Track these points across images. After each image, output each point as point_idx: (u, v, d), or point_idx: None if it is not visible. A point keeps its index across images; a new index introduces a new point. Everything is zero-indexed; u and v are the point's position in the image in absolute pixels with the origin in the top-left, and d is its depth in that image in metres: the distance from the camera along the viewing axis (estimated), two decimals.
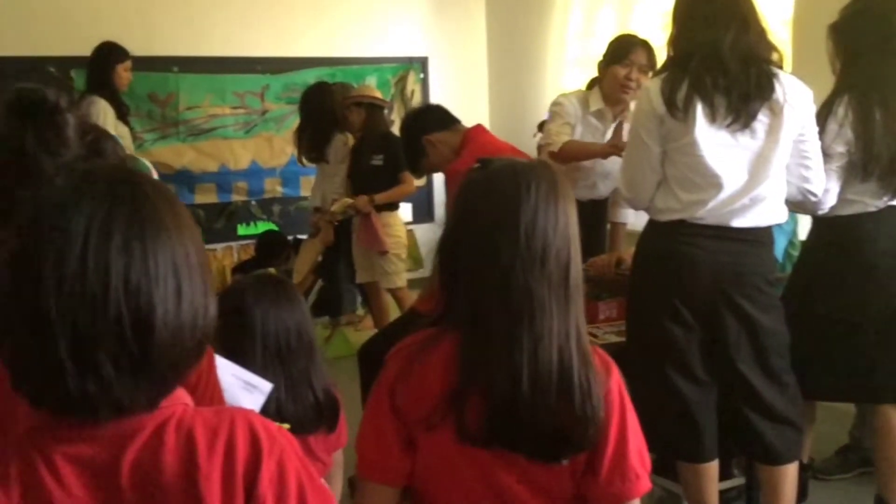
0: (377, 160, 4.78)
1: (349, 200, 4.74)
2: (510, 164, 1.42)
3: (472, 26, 6.97)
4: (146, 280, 0.85)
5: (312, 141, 5.07)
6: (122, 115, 4.96)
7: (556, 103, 3.55)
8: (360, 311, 5.76)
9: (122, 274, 0.84)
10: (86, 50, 4.90)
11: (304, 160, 5.15)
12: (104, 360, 0.84)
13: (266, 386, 1.48)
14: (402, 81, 6.75)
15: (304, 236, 5.49)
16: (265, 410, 1.53)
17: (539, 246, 1.32)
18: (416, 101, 6.73)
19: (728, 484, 2.95)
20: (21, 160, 1.12)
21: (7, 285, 0.85)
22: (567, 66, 6.18)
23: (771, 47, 2.46)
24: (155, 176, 3.37)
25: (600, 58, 3.51)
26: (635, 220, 3.59)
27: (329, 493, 1.00)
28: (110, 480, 0.88)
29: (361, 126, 4.89)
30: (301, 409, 1.89)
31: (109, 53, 4.92)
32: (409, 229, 5.23)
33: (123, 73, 4.98)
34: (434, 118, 3.27)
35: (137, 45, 5.12)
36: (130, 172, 0.91)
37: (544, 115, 5.63)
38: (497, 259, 1.32)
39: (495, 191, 1.36)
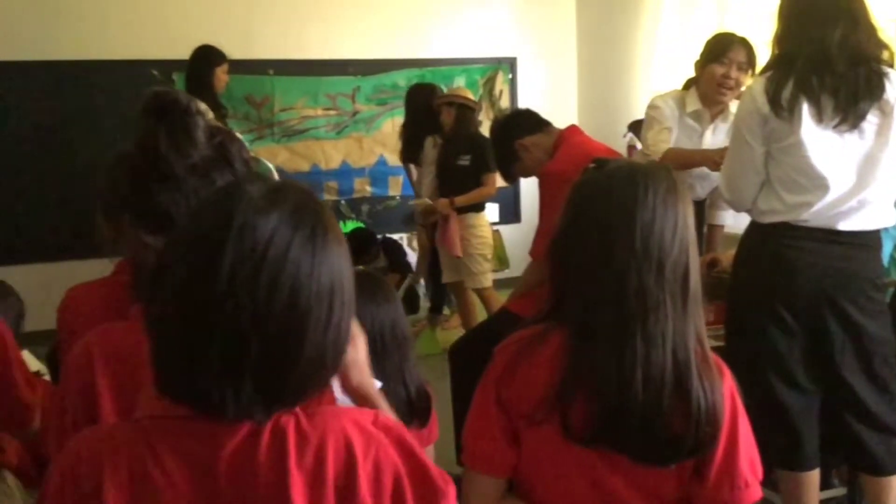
0: (464, 160, 4.83)
1: (428, 202, 4.80)
2: (627, 165, 1.42)
3: (562, 26, 6.93)
4: (308, 302, 0.89)
5: (409, 140, 5.17)
6: (221, 116, 5.11)
7: (652, 106, 3.46)
8: (447, 311, 5.80)
9: (286, 294, 0.87)
10: (188, 54, 5.06)
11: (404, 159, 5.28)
12: (248, 369, 0.87)
13: (375, 383, 1.52)
14: (490, 82, 6.76)
15: (392, 235, 5.59)
16: None
17: (655, 248, 1.32)
18: (505, 101, 6.75)
19: (828, 494, 2.87)
20: (155, 160, 1.18)
21: (176, 283, 0.88)
22: (658, 66, 6.09)
23: (881, 45, 2.38)
24: (276, 177, 3.49)
25: (696, 57, 3.44)
26: (734, 222, 3.51)
27: (437, 481, 0.99)
28: (209, 475, 0.92)
29: (451, 126, 4.95)
30: (394, 404, 1.92)
31: (208, 57, 5.06)
32: (495, 230, 5.23)
33: (221, 76, 5.13)
34: (525, 122, 3.26)
35: (236, 49, 5.27)
36: (313, 197, 0.94)
37: (635, 116, 5.59)
38: (611, 260, 1.33)
39: (612, 191, 1.37)
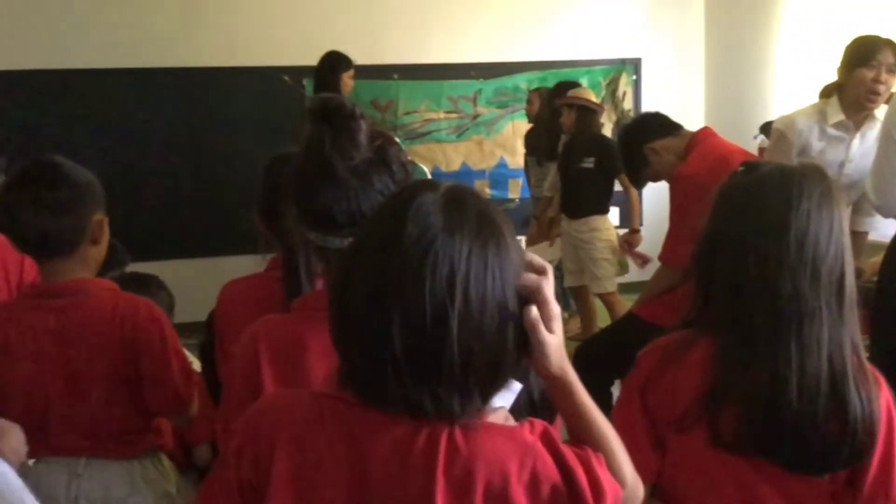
0: (588, 163, 4.82)
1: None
2: (779, 168, 1.39)
3: (690, 26, 6.78)
4: (493, 305, 0.91)
5: (544, 139, 5.25)
6: None
7: (780, 136, 3.24)
8: (565, 315, 5.78)
9: (461, 305, 0.90)
10: (317, 60, 5.24)
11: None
12: (434, 375, 0.91)
13: (516, 385, 1.54)
14: (613, 83, 6.69)
15: None
16: None
17: (810, 253, 1.30)
18: (628, 103, 6.66)
19: None
20: (320, 161, 1.25)
21: (363, 291, 0.93)
22: (790, 67, 5.87)
23: None
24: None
25: (830, 56, 3.27)
26: (886, 230, 3.34)
27: (600, 485, 1.00)
28: (365, 462, 0.96)
29: (571, 128, 4.93)
30: (516, 407, 1.94)
31: (335, 62, 5.22)
32: (619, 233, 5.18)
33: (347, 81, 5.28)
34: (655, 125, 3.20)
35: (363, 55, 5.42)
36: (487, 202, 0.98)
37: (766, 117, 5.40)
38: (764, 265, 1.31)
39: (764, 196, 1.35)
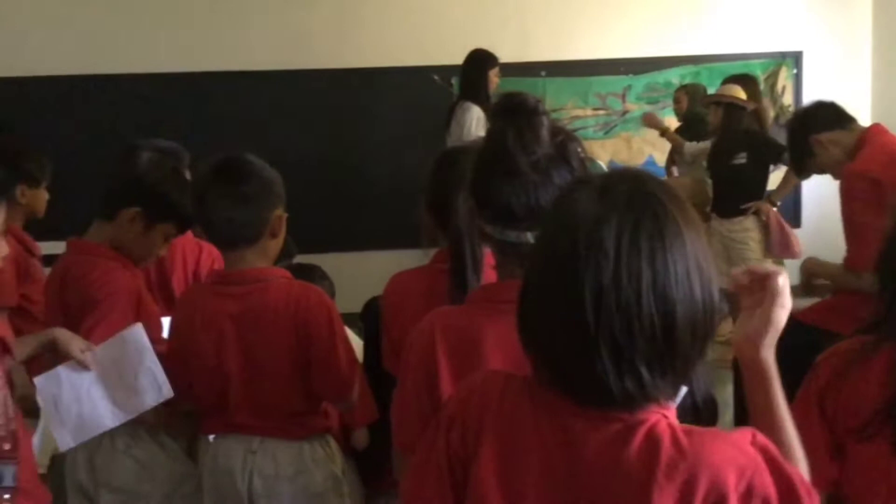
0: (740, 159, 4.69)
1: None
2: None
3: (856, 15, 6.39)
4: (669, 286, 0.93)
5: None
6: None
7: None
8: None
9: (650, 282, 0.92)
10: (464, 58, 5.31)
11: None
12: (640, 361, 0.93)
13: (682, 389, 1.53)
14: (772, 77, 6.40)
15: None
16: None
17: None
18: (788, 98, 6.37)
19: None
20: (503, 155, 1.28)
21: (543, 289, 0.98)
22: None
23: None
24: None
25: None
26: None
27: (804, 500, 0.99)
28: (578, 453, 0.98)
29: (718, 126, 4.80)
30: (680, 411, 1.90)
31: (481, 60, 5.25)
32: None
33: (493, 79, 5.31)
34: (825, 116, 3.07)
35: (511, 52, 5.45)
36: (642, 181, 0.99)
37: None
38: None
39: None
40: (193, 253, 2.47)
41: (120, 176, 2.12)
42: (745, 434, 0.98)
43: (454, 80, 5.82)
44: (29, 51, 5.64)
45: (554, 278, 0.96)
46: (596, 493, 0.96)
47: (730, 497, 0.93)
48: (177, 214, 2.08)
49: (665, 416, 0.99)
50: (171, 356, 2.03)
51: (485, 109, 5.15)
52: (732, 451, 0.95)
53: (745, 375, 1.08)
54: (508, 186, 1.27)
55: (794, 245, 4.61)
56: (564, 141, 1.31)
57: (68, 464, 2.10)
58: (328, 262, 2.99)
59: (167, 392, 1.84)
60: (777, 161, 4.63)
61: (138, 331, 1.89)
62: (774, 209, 4.75)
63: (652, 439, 0.95)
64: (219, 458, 1.98)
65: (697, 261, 0.95)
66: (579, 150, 1.31)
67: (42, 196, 3.14)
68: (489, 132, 1.35)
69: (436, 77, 6.04)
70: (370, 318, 2.55)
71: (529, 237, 1.28)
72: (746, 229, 4.74)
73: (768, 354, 1.03)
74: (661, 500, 0.93)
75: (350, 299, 2.86)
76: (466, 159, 1.69)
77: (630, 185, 0.98)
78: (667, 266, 0.93)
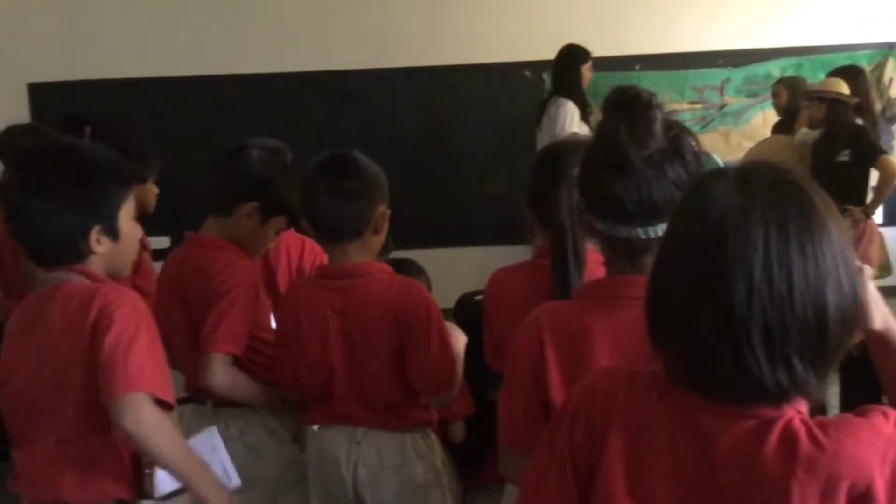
0: (844, 156, 4.54)
1: None
2: None
3: None
4: (820, 277, 0.92)
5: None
6: (585, 115, 5.24)
7: None
8: None
9: (802, 273, 0.92)
10: (556, 54, 5.28)
11: None
12: (793, 354, 0.92)
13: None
14: (878, 69, 6.12)
15: None
16: None
17: None
18: (894, 91, 6.08)
19: None
20: (615, 150, 1.27)
21: (682, 284, 0.97)
22: None
23: None
24: None
25: None
26: None
27: None
28: (709, 449, 0.97)
29: (821, 122, 4.66)
30: None
31: (573, 55, 5.21)
32: (879, 232, 4.76)
33: (586, 73, 5.27)
34: None
35: (603, 46, 5.38)
36: (783, 171, 0.98)
37: None
38: None
39: None
40: (297, 248, 2.53)
41: (232, 173, 2.20)
42: (875, 414, 0.97)
43: (545, 76, 5.80)
44: (133, 53, 5.88)
45: (695, 273, 0.95)
46: (730, 492, 0.96)
47: (876, 482, 0.92)
48: (289, 209, 2.15)
49: (799, 411, 0.97)
50: (278, 348, 2.09)
51: (578, 105, 5.12)
52: (870, 437, 0.94)
53: (871, 351, 1.06)
54: (620, 181, 1.26)
55: (871, 261, 4.44)
56: (678, 135, 1.29)
57: None
58: (420, 258, 3.01)
59: (236, 482, 1.86)
60: (873, 164, 4.50)
61: (213, 432, 1.93)
62: (870, 220, 4.57)
63: (788, 436, 0.94)
64: (324, 446, 2.04)
65: (843, 250, 0.95)
66: (693, 143, 1.29)
67: (151, 191, 3.26)
68: (600, 126, 1.34)
69: (527, 73, 6.02)
70: (462, 314, 2.57)
71: (640, 233, 1.27)
72: (849, 227, 4.58)
73: (883, 322, 1.00)
74: (803, 498, 0.92)
75: (442, 296, 2.89)
76: (568, 155, 1.69)
77: (770, 175, 0.97)
78: (816, 256, 0.92)
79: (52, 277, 1.70)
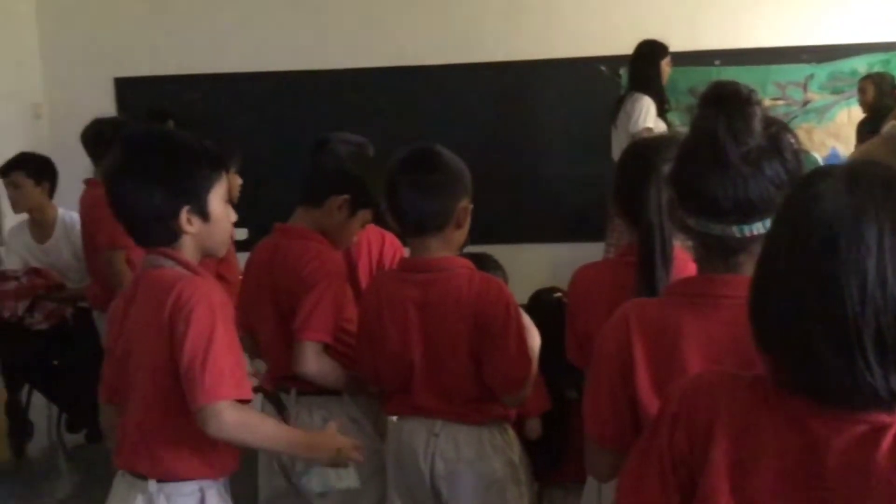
0: None
1: None
2: None
3: None
4: None
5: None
6: (663, 111, 5.16)
7: None
8: None
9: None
10: (632, 49, 5.20)
11: None
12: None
13: None
14: None
15: None
16: None
17: None
18: None
19: None
20: (712, 146, 1.25)
21: (790, 286, 0.95)
22: None
23: None
24: None
25: None
26: None
27: None
28: (817, 454, 0.95)
29: None
30: None
31: (651, 51, 5.13)
32: None
33: (665, 69, 5.19)
34: None
35: (681, 41, 5.28)
36: (892, 170, 0.95)
37: None
38: None
39: None
40: (377, 242, 2.57)
41: (323, 166, 2.24)
42: None
43: (622, 71, 5.73)
44: (215, 50, 6.03)
45: (805, 274, 0.94)
46: (840, 499, 0.94)
47: None
48: (376, 202, 2.18)
49: None
50: (359, 340, 2.12)
51: (656, 101, 5.05)
52: None
53: None
54: (716, 178, 1.23)
55: None
56: (778, 132, 1.26)
57: None
58: (494, 253, 3.01)
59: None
60: None
61: None
62: None
63: None
64: (403, 438, 2.06)
65: None
66: (793, 141, 1.26)
67: (234, 181, 3.33)
68: (695, 122, 1.32)
69: (603, 68, 5.95)
70: (538, 311, 2.56)
71: (735, 231, 1.24)
72: None
73: None
74: None
75: (513, 291, 2.88)
76: (659, 151, 1.67)
77: (882, 174, 0.94)
78: None
79: (147, 261, 1.77)
